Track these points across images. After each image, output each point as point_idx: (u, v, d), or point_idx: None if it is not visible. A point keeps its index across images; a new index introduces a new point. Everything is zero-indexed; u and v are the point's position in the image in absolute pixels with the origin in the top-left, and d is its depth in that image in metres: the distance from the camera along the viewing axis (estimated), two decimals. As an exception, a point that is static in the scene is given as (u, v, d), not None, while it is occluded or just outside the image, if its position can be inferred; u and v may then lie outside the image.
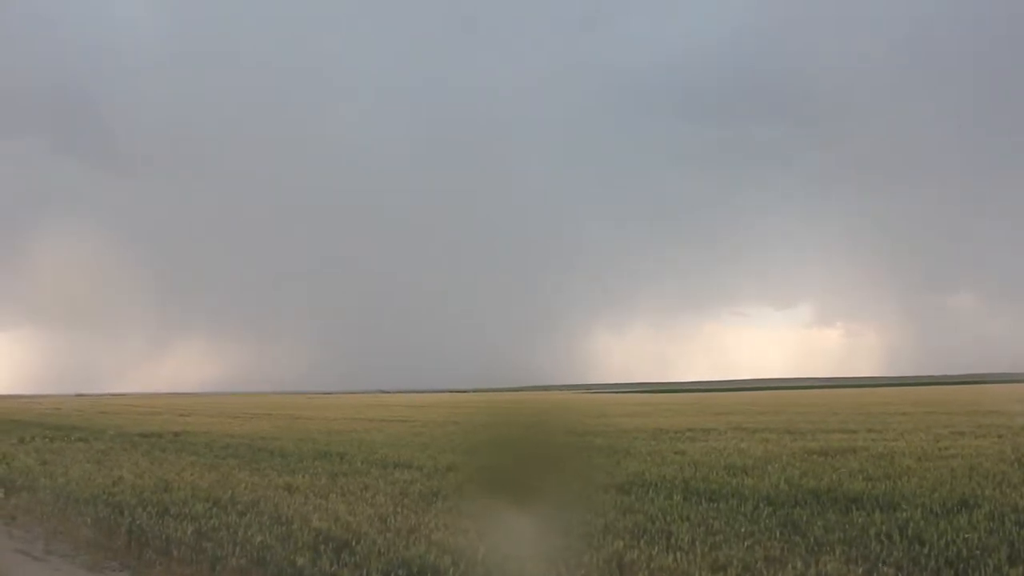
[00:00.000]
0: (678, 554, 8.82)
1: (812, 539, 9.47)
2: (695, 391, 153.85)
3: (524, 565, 8.42)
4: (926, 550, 8.78)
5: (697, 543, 9.32)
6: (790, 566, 8.25)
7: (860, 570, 8.16)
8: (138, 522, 11.45)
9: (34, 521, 13.31)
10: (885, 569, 8.21)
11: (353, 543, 9.62)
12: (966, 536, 9.25)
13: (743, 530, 10.04)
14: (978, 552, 8.67)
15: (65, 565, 10.63)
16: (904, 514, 10.50)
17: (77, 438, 27.04)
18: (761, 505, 11.56)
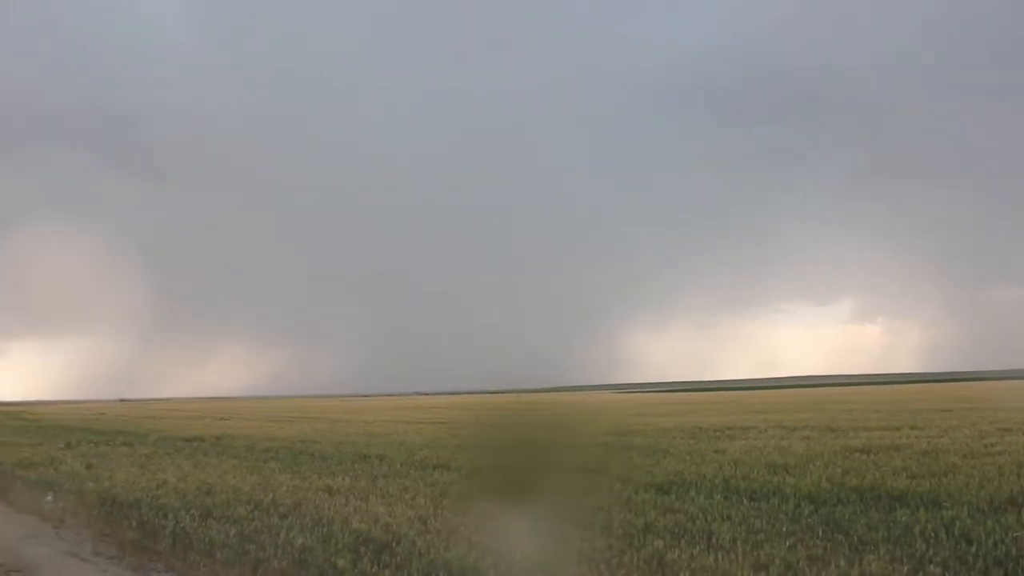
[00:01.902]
0: (719, 554, 8.75)
1: (855, 538, 9.36)
2: (734, 389, 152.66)
3: (565, 566, 8.40)
4: (973, 549, 8.63)
5: (738, 542, 9.24)
6: (833, 565, 8.15)
7: (905, 569, 8.05)
8: (182, 525, 11.58)
9: (81, 524, 13.56)
10: (931, 568, 8.07)
11: (393, 545, 9.66)
12: (1015, 535, 9.08)
13: (785, 529, 9.94)
14: (1028, 551, 8.52)
15: (112, 567, 10.81)
16: (950, 512, 10.34)
17: (121, 442, 27.42)
18: (803, 504, 11.45)
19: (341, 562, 9.14)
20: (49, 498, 15.43)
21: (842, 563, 8.21)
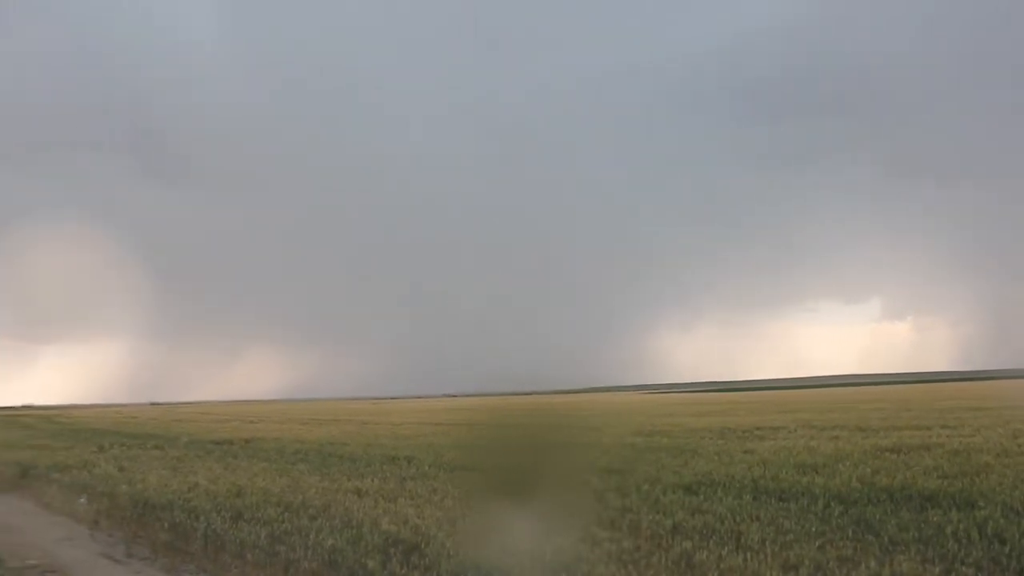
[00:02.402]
0: (748, 554, 8.73)
1: (886, 538, 9.30)
2: (763, 389, 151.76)
3: (594, 567, 8.41)
4: (1007, 549, 8.55)
5: (767, 543, 9.21)
6: (863, 566, 8.10)
7: (937, 570, 7.98)
8: (213, 527, 11.70)
9: (115, 525, 13.75)
10: (964, 569, 8.01)
11: (422, 546, 9.71)
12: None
13: (814, 529, 9.90)
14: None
15: (145, 568, 10.96)
16: (983, 512, 10.23)
17: (153, 446, 27.72)
18: (832, 504, 11.38)
19: (371, 563, 9.20)
20: (83, 500, 15.65)
21: (872, 564, 8.16)
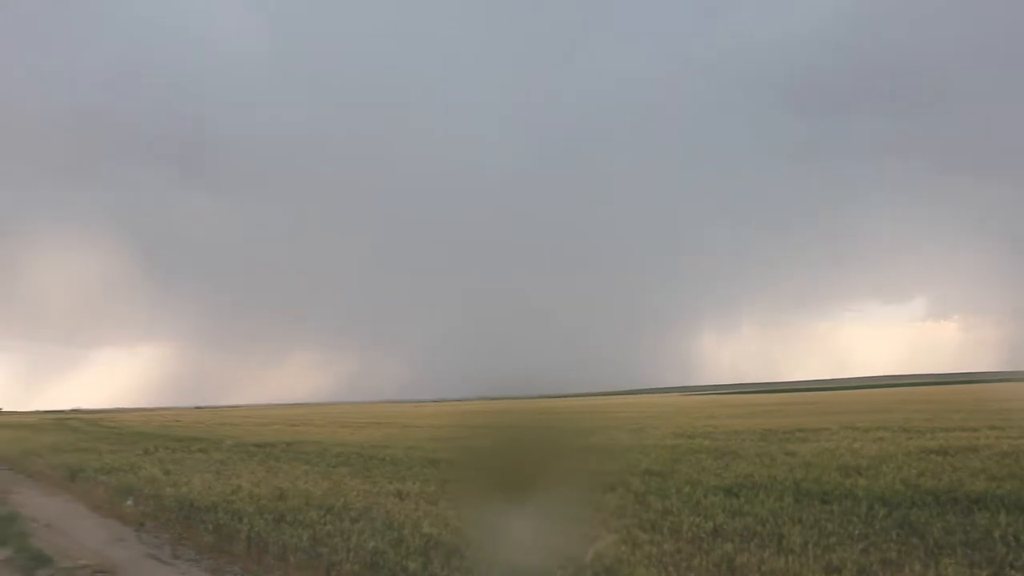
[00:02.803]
0: (790, 557, 8.66)
1: (931, 541, 9.19)
2: (805, 390, 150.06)
3: (634, 569, 8.41)
4: (1057, 553, 8.41)
5: (809, 546, 9.14)
6: (908, 569, 8.01)
7: (984, 574, 7.88)
8: (256, 529, 11.84)
9: (161, 527, 13.97)
10: (1012, 573, 7.91)
11: (463, 548, 9.76)
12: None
13: (857, 532, 9.81)
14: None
15: (191, 569, 11.13)
16: (1032, 515, 10.07)
17: (197, 449, 28.08)
18: (876, 506, 11.27)
19: (412, 565, 9.27)
20: (130, 502, 15.92)
21: (917, 567, 8.06)
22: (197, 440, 33.80)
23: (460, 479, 16.46)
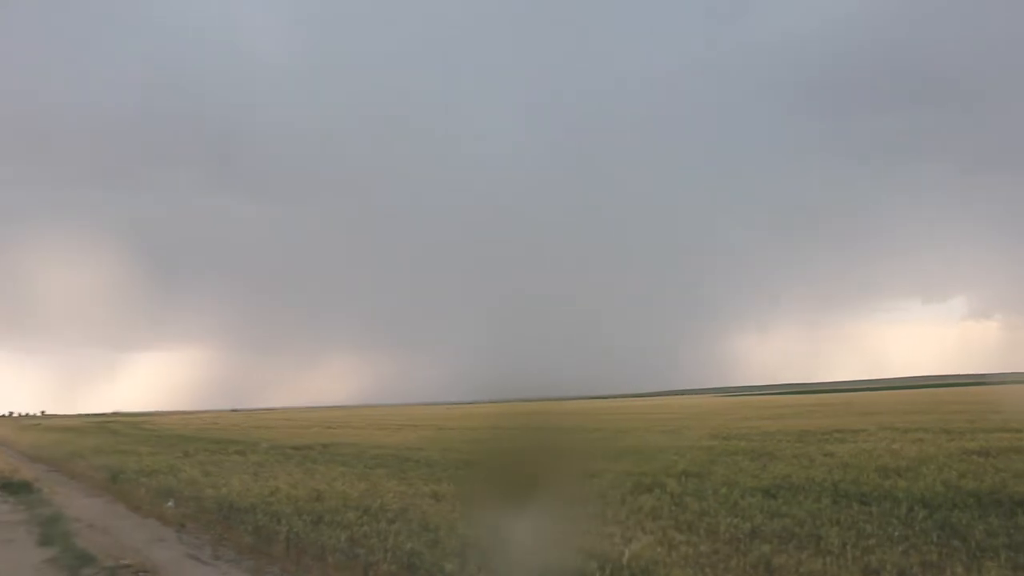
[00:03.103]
0: (828, 558, 8.60)
1: (973, 544, 9.07)
2: (842, 391, 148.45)
3: (671, 570, 8.39)
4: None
5: (848, 547, 9.06)
6: (949, 572, 7.93)
7: (1027, 576, 7.77)
8: (294, 530, 11.95)
9: (201, 528, 14.15)
10: (1056, 576, 7.78)
11: (499, 550, 9.77)
12: None
13: (897, 534, 9.71)
14: None
15: (231, 569, 11.26)
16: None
17: (234, 451, 28.40)
18: (916, 508, 11.14)
19: (449, 567, 9.31)
20: (170, 504, 16.14)
21: (959, 570, 7.97)
22: (234, 443, 34.18)
23: (495, 481, 16.51)
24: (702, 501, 12.53)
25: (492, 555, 9.63)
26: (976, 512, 10.82)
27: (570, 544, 9.79)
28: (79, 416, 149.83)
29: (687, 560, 8.81)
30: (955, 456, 16.50)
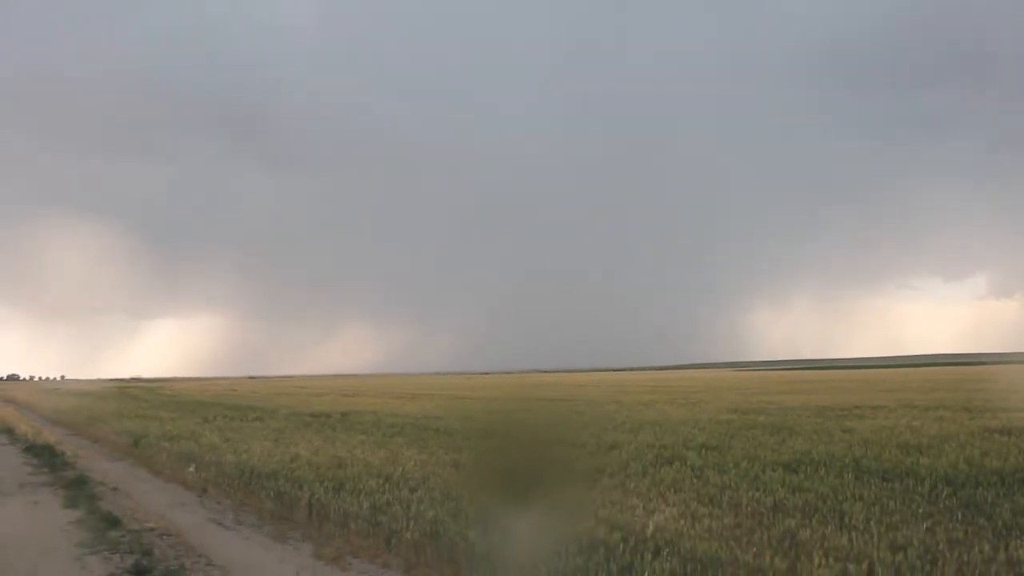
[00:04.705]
0: (853, 534, 8.56)
1: (999, 522, 9.01)
2: (861, 368, 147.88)
3: (695, 543, 8.38)
4: None
5: (872, 523, 9.02)
6: (976, 549, 7.86)
7: (1056, 556, 7.70)
8: (316, 496, 12.00)
9: (222, 493, 14.26)
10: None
11: (521, 520, 9.78)
12: None
13: (921, 511, 9.66)
14: None
15: (254, 535, 11.35)
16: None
17: (254, 418, 28.57)
18: (939, 485, 11.07)
19: (471, 534, 9.33)
20: (192, 468, 16.26)
21: (986, 548, 7.90)
22: (253, 409, 34.40)
23: (516, 452, 16.55)
24: (723, 474, 12.50)
25: (515, 525, 9.65)
26: (1001, 490, 10.75)
27: (593, 515, 9.80)
28: (98, 381, 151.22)
29: (711, 533, 8.79)
30: (977, 434, 16.41)
